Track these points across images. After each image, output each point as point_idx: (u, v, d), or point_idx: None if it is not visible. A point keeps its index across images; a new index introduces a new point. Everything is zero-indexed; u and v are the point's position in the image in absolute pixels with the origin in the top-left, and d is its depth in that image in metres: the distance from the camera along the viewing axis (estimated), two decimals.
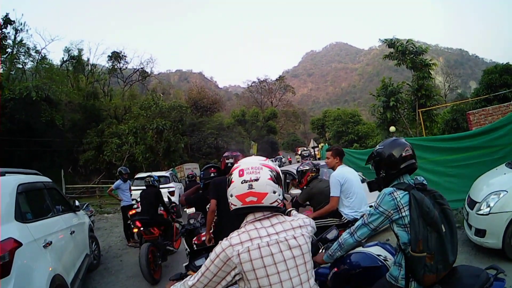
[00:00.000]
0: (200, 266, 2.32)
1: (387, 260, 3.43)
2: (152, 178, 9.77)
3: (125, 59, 54.93)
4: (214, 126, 59.36)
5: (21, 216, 4.86)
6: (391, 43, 26.60)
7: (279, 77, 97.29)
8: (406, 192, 2.92)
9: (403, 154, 3.09)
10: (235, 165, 2.45)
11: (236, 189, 2.32)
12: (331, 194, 5.90)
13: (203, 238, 5.68)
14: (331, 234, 3.79)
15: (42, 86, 35.55)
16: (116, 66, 55.98)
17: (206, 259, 2.29)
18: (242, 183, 2.29)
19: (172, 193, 16.53)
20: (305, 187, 6.90)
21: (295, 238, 2.27)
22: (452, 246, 2.84)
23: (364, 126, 31.63)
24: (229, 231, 2.38)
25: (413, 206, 2.83)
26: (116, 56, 53.96)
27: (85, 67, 52.79)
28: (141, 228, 8.51)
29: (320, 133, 40.30)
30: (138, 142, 36.89)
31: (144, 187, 9.68)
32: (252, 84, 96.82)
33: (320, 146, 38.55)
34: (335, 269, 3.61)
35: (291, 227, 2.33)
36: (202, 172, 6.10)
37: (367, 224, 3.14)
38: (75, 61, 49.86)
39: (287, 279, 2.16)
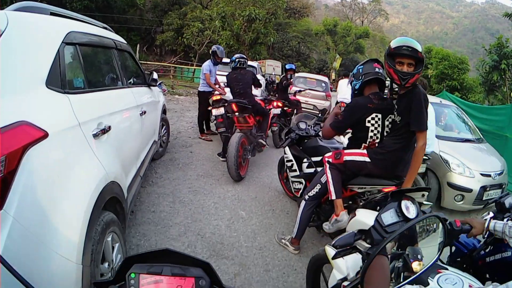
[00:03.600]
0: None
1: None
2: (244, 60, 8.26)
3: None
4: (300, 30, 57.22)
5: (60, 81, 2.58)
6: None
7: None
8: None
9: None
10: None
11: None
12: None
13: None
14: None
15: None
16: None
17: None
18: None
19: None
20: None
21: None
22: None
23: (471, 78, 29.01)
24: None
25: None
26: None
27: None
28: (237, 113, 7.25)
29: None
30: (224, 28, 34.86)
31: (233, 71, 8.22)
32: None
33: None
34: (509, 253, 2.71)
35: None
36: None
37: None
38: None
39: None
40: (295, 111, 10.98)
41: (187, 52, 38.56)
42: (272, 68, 31.86)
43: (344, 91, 11.14)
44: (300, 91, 12.75)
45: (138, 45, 23.88)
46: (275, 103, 9.50)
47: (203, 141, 9.89)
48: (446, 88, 24.08)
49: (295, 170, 5.39)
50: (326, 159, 4.25)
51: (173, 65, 32.24)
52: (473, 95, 26.18)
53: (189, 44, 35.74)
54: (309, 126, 5.67)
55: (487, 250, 2.91)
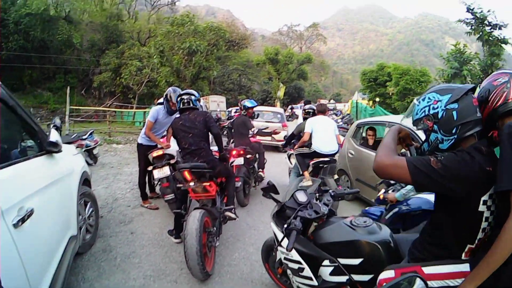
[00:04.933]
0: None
1: None
2: (193, 97, 5.98)
3: None
4: (240, 62, 58.47)
5: None
6: (470, 8, 23.81)
7: (313, 23, 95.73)
8: None
9: None
10: None
11: None
12: (304, 130, 8.07)
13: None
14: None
15: (63, 3, 35.19)
16: None
17: None
18: None
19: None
20: (300, 123, 9.36)
21: None
22: None
23: None
24: None
25: None
26: None
27: None
28: (192, 183, 5.20)
29: (370, 87, 35.89)
30: (163, 64, 32.36)
31: (178, 115, 6.20)
32: (284, 27, 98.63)
33: (349, 102, 39.42)
34: (396, 209, 4.60)
35: None
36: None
37: None
38: None
39: None
40: (256, 156, 9.28)
41: (126, 93, 36.80)
42: (216, 104, 31.87)
43: (321, 130, 8.72)
44: (262, 130, 10.50)
45: (68, 88, 21.20)
46: (234, 152, 7.99)
47: (147, 211, 7.49)
48: (410, 103, 23.23)
49: (308, 278, 3.23)
50: None
51: (108, 109, 29.58)
52: None
53: (128, 84, 33.87)
54: (315, 196, 3.58)
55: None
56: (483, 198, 2.14)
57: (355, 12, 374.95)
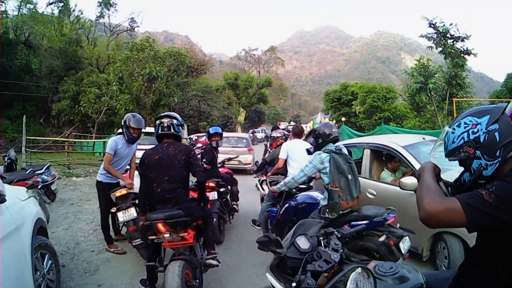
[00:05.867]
0: None
1: (322, 200, 5.57)
2: (176, 121, 4.95)
3: (115, 6, 52.33)
4: (199, 88, 59.47)
5: None
6: (432, 23, 24.25)
7: (270, 47, 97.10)
8: (328, 154, 5.07)
9: (331, 132, 5.36)
10: None
11: None
12: (279, 157, 7.80)
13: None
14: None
15: (23, 26, 34.90)
16: (104, 14, 51.79)
17: None
18: None
19: None
20: (274, 149, 9.53)
21: None
22: (355, 187, 5.04)
23: (402, 105, 29.25)
24: None
25: (331, 162, 4.99)
26: (106, 3, 50.83)
27: (71, 12, 48.63)
28: (167, 236, 4.36)
29: (333, 107, 35.91)
30: (122, 91, 31.33)
31: (151, 146, 5.15)
32: (242, 52, 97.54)
33: (310, 122, 43.78)
34: (287, 205, 6.23)
35: None
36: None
37: (304, 171, 5.27)
38: (62, 5, 45.46)
39: None
40: (229, 188, 8.55)
41: (85, 122, 34.94)
42: None
43: (298, 156, 7.57)
44: (229, 159, 10.28)
45: (24, 117, 19.71)
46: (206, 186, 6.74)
47: (114, 256, 6.63)
48: (380, 121, 24.59)
49: None
50: None
51: (66, 139, 28.93)
52: (408, 121, 26.98)
53: (86, 112, 31.87)
54: (319, 240, 2.90)
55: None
56: None
57: (311, 34, 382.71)
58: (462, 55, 23.32)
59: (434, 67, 25.73)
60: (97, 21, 51.66)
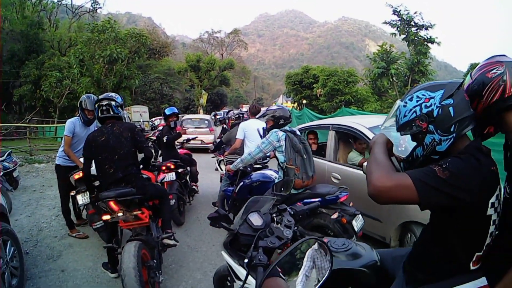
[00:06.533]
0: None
1: (276, 179, 5.70)
2: (114, 102, 4.89)
3: None
4: (161, 70, 58.92)
5: None
6: (396, 10, 24.69)
7: (233, 30, 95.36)
8: (284, 133, 5.25)
9: (288, 115, 5.58)
10: None
11: None
12: (236, 137, 7.85)
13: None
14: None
15: None
16: None
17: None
18: None
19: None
20: (230, 129, 10.39)
21: None
22: (310, 166, 5.23)
23: (363, 89, 29.36)
24: None
25: (287, 140, 5.16)
26: None
27: None
28: (120, 214, 4.41)
29: (295, 90, 35.85)
30: (84, 74, 30.59)
31: (98, 125, 5.50)
32: (205, 34, 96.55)
33: (272, 105, 38.15)
34: (242, 183, 6.50)
35: None
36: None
37: (259, 147, 5.38)
38: None
39: None
40: (188, 169, 8.64)
41: (46, 107, 34.98)
42: (139, 114, 31.09)
43: (255, 135, 7.85)
44: (189, 139, 9.97)
45: None
46: (164, 168, 6.99)
47: (76, 241, 6.62)
48: (341, 104, 24.85)
49: None
50: None
51: (28, 124, 28.05)
52: (369, 105, 27.00)
53: (48, 97, 31.75)
54: (272, 217, 2.94)
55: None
56: (491, 201, 1.96)
57: (275, 18, 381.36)
58: (426, 43, 23.83)
59: (397, 53, 26.01)
60: (59, 3, 49.95)
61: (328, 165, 6.77)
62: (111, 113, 4.81)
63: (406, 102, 2.13)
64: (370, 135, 5.91)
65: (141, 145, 4.85)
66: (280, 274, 2.15)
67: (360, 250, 2.64)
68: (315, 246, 2.19)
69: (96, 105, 4.91)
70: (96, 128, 6.11)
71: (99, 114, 4.86)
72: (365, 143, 6.30)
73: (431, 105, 2.02)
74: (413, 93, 2.13)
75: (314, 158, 6.18)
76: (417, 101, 2.07)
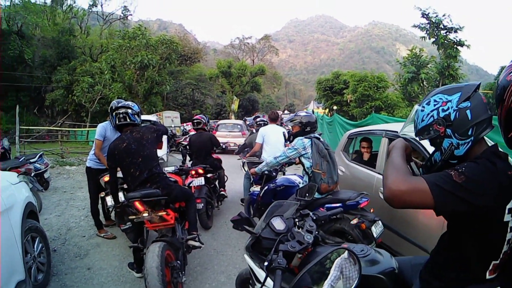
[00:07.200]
0: None
1: (300, 183, 6.22)
2: (130, 110, 5.06)
3: None
4: (193, 76, 59.05)
5: None
6: (425, 13, 24.31)
7: (264, 35, 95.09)
8: (309, 139, 5.43)
9: (316, 122, 5.76)
10: None
11: None
12: (256, 141, 8.46)
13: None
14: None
15: (15, 17, 34.59)
16: (97, 2, 51.52)
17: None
18: None
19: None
20: (252, 134, 11.38)
21: None
22: (335, 171, 5.32)
23: (394, 94, 28.91)
24: None
25: (313, 146, 5.32)
26: None
27: (64, 1, 48.27)
28: (145, 215, 4.48)
29: (325, 96, 35.68)
30: (115, 79, 31.16)
31: (120, 136, 5.12)
32: (236, 40, 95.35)
33: (304, 111, 38.27)
34: (266, 187, 6.67)
35: None
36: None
37: (285, 154, 5.60)
38: None
39: None
40: (217, 174, 8.69)
41: (78, 111, 35.46)
42: (170, 120, 30.78)
43: (272, 140, 8.25)
44: (223, 148, 10.81)
45: (17, 106, 19.23)
46: (193, 172, 7.33)
47: (103, 241, 6.77)
48: (371, 110, 23.60)
49: None
50: None
51: (60, 128, 28.32)
52: (399, 111, 26.27)
53: (80, 102, 32.09)
54: (295, 221, 2.94)
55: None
56: (508, 207, 1.85)
57: (306, 23, 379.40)
58: (455, 46, 23.31)
59: (427, 57, 25.76)
60: (90, 10, 50.97)
61: (378, 178, 5.99)
62: (128, 120, 4.99)
63: (423, 107, 2.11)
64: (428, 146, 4.65)
65: (160, 133, 5.30)
66: (309, 283, 2.14)
67: (378, 256, 2.61)
68: (345, 255, 2.20)
69: (114, 113, 5.08)
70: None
71: (117, 122, 5.03)
72: (423, 155, 4.83)
73: (448, 108, 2.00)
74: (430, 97, 2.11)
75: (363, 169, 6.67)
76: (435, 105, 2.05)
